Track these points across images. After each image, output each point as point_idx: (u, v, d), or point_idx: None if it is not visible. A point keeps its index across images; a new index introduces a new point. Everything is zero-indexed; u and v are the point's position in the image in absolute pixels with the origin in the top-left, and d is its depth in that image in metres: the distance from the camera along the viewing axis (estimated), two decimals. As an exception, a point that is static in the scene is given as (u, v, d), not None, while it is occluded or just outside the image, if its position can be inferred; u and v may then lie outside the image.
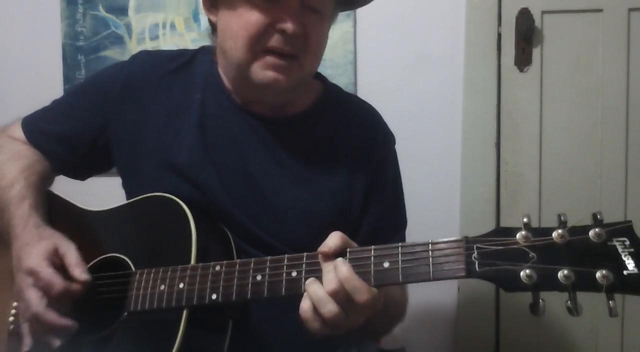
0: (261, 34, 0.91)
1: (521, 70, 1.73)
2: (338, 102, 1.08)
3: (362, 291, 0.74)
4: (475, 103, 1.75)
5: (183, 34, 1.86)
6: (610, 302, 0.65)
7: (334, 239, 0.78)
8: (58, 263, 0.90)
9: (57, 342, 0.88)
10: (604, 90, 1.71)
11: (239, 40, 0.91)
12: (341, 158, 1.02)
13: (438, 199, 1.78)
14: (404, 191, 1.11)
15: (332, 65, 1.77)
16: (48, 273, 0.87)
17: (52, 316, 0.87)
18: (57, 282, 0.87)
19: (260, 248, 0.96)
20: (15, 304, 0.97)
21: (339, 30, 1.76)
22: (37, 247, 0.90)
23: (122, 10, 1.88)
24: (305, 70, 0.96)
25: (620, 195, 1.71)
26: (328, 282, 0.75)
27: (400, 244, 0.76)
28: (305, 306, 0.77)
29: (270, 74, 0.92)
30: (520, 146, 1.75)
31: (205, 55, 1.07)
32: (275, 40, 0.91)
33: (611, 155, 1.71)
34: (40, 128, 1.09)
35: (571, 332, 1.75)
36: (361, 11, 1.07)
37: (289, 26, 0.89)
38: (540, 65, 1.72)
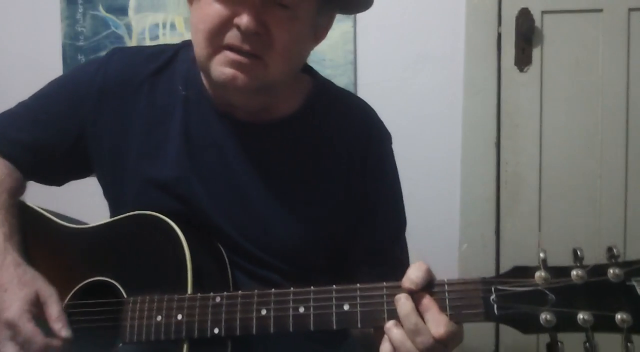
0: (219, 29, 0.83)
1: (521, 70, 1.73)
2: (329, 100, 1.00)
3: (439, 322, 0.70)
4: (475, 103, 1.75)
5: (183, 34, 1.86)
6: (629, 344, 0.64)
7: (418, 273, 0.71)
8: (37, 313, 0.85)
9: None
10: (604, 90, 1.70)
11: (200, 34, 0.85)
12: (335, 160, 0.95)
13: (438, 199, 1.78)
14: (404, 191, 1.06)
15: (332, 65, 1.77)
16: (29, 329, 0.81)
17: None
18: (37, 339, 0.81)
19: (251, 262, 0.92)
20: None
21: (339, 30, 1.76)
22: (18, 295, 0.84)
23: (122, 10, 1.88)
24: (272, 72, 0.85)
25: (620, 195, 1.71)
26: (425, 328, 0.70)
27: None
28: (385, 350, 0.73)
29: (227, 71, 0.83)
30: (520, 146, 1.74)
31: (187, 52, 0.96)
32: (232, 37, 0.83)
33: (611, 155, 1.71)
34: (8, 136, 1.00)
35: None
36: (361, 11, 1.05)
37: (243, 21, 0.80)
38: (540, 65, 1.72)
